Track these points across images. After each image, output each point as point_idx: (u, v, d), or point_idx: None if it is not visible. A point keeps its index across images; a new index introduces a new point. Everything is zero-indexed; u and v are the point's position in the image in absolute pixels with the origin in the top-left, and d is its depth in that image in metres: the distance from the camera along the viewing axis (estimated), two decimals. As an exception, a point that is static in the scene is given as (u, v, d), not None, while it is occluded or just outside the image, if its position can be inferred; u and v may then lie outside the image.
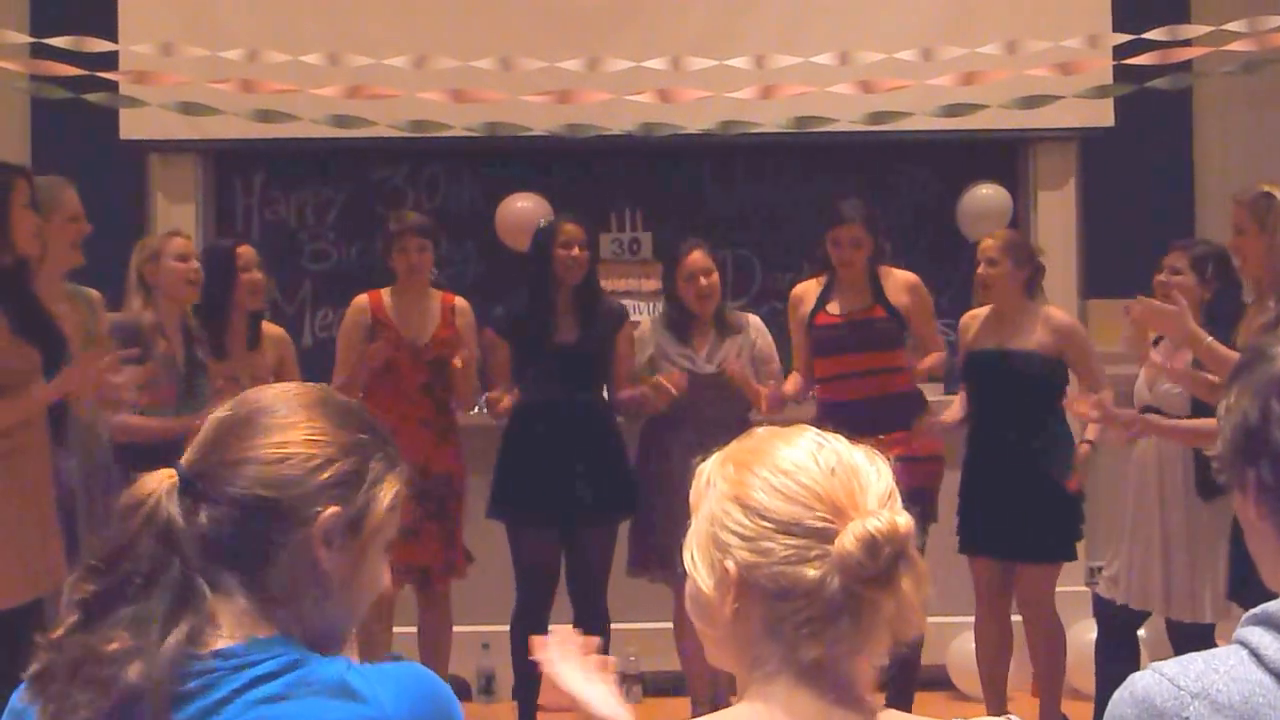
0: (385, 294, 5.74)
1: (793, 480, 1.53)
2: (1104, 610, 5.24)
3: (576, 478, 5.54)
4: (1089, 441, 5.37)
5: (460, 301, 5.82)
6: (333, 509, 1.59)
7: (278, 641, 1.54)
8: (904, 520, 1.49)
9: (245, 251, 5.56)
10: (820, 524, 1.50)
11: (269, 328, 5.76)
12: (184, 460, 1.59)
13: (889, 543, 1.48)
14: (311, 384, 1.69)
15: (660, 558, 5.59)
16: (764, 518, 1.52)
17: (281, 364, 5.67)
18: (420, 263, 5.70)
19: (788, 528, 1.51)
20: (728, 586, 1.53)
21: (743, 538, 1.53)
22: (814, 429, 1.59)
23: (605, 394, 5.74)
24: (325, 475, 1.59)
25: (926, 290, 5.76)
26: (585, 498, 5.55)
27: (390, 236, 5.72)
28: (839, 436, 1.58)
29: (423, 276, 5.74)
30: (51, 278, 4.67)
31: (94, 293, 4.92)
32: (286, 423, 1.60)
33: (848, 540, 1.48)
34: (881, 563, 1.48)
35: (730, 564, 1.53)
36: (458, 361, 5.57)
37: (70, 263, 4.74)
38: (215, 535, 1.55)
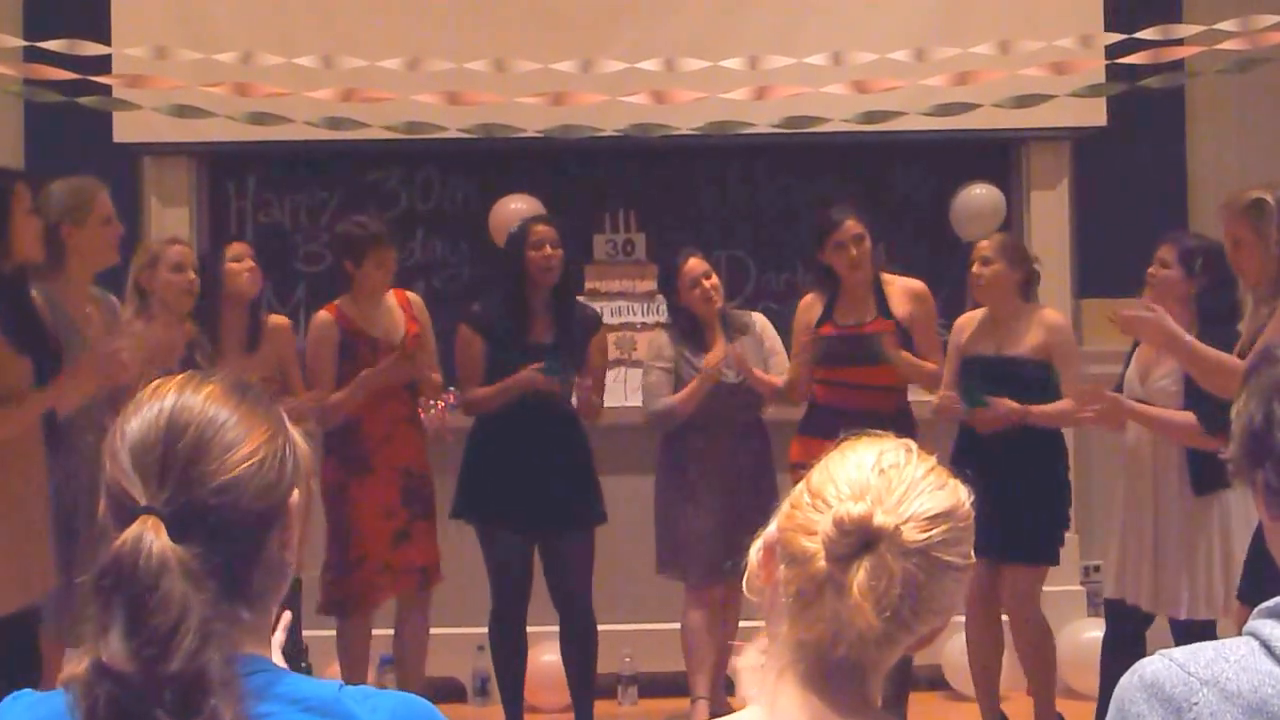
0: (344, 304, 5.64)
1: (847, 464, 1.55)
2: (1114, 610, 5.20)
3: (545, 482, 5.52)
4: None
5: (413, 295, 5.86)
6: (295, 491, 1.56)
7: (255, 658, 1.50)
8: (888, 520, 1.49)
9: (233, 245, 5.55)
10: (836, 502, 1.52)
11: (271, 319, 5.68)
12: (151, 501, 1.47)
13: (857, 529, 1.48)
14: (218, 373, 1.59)
15: (683, 558, 5.61)
16: (807, 486, 1.56)
17: (282, 364, 5.53)
18: (391, 271, 5.66)
19: (814, 498, 1.54)
20: (767, 547, 1.57)
21: (791, 503, 1.57)
22: (914, 443, 1.60)
23: (575, 401, 5.67)
24: (285, 463, 1.55)
25: (932, 300, 5.77)
26: (553, 503, 5.54)
27: (359, 244, 5.57)
28: (930, 457, 1.59)
29: (389, 281, 5.69)
30: (81, 279, 4.64)
31: (115, 299, 4.90)
32: (239, 428, 1.52)
33: (827, 516, 1.51)
34: (844, 546, 1.49)
35: (773, 525, 1.57)
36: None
37: (105, 263, 4.72)
38: (211, 561, 1.47)
